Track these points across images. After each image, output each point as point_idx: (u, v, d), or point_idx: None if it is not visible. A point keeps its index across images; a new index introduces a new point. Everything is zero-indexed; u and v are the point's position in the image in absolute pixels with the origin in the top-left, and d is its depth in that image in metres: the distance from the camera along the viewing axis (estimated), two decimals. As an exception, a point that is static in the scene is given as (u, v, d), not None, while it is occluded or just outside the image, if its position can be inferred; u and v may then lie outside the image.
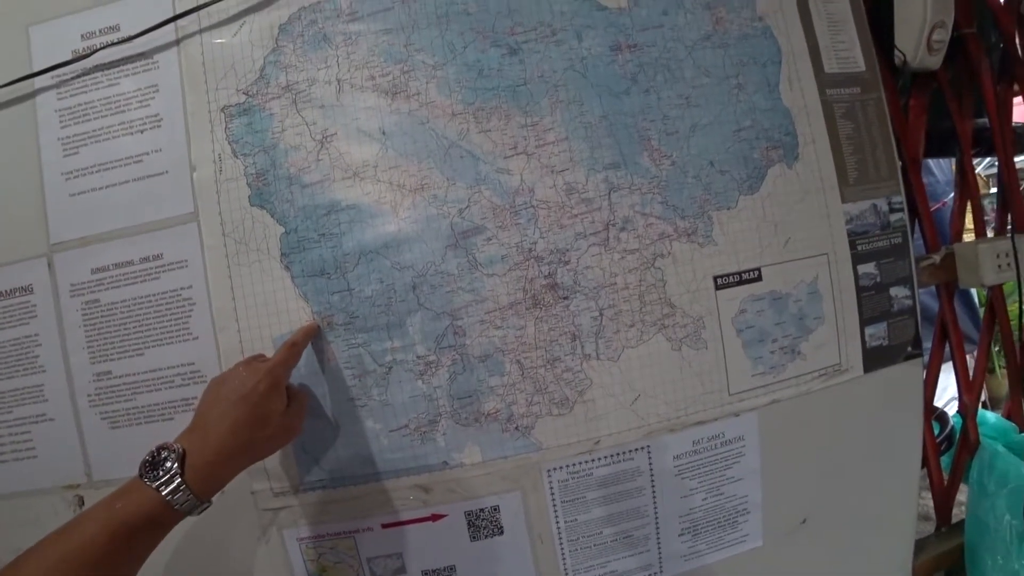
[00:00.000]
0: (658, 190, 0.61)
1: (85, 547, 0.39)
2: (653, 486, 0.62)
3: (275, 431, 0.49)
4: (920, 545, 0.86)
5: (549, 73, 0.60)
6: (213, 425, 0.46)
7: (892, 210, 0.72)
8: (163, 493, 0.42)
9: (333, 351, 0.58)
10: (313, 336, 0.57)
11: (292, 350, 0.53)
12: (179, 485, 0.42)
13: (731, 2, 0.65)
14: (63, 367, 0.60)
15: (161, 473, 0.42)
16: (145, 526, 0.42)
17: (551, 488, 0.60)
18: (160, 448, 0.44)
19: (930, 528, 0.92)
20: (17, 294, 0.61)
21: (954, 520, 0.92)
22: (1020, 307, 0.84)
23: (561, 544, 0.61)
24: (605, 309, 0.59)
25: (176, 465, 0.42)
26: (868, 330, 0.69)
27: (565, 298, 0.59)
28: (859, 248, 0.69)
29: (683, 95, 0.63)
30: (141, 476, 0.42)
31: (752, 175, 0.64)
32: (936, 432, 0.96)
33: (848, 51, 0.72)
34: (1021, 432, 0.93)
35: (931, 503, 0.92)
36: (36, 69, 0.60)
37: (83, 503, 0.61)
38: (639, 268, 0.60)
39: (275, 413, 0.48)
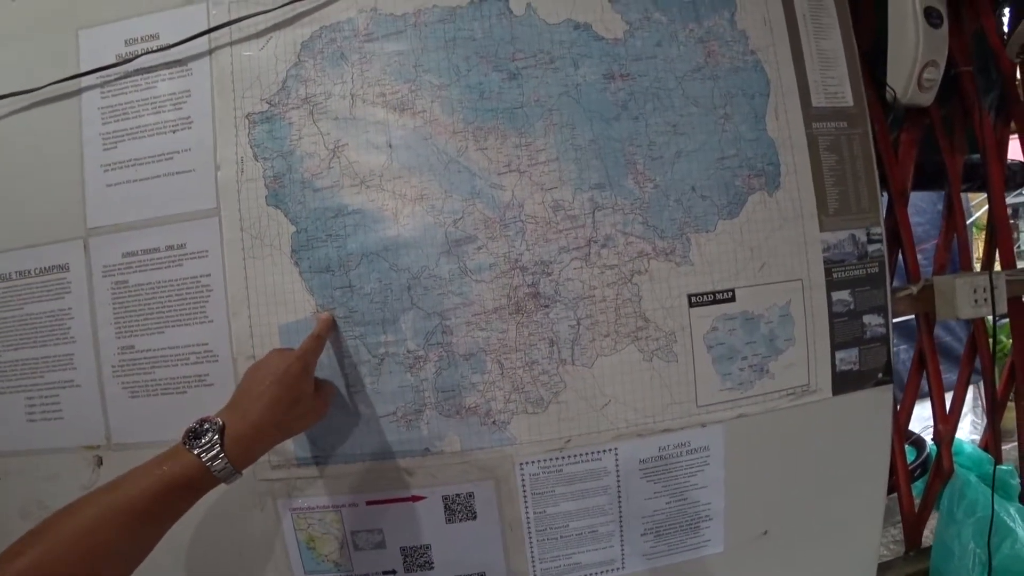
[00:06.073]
0: (640, 211, 0.65)
1: (133, 500, 0.44)
2: (619, 486, 0.67)
3: (305, 411, 0.55)
4: (887, 566, 0.88)
5: (545, 97, 0.64)
6: (250, 403, 0.51)
7: (871, 241, 0.75)
8: (204, 460, 0.47)
9: (334, 341, 0.63)
10: (331, 327, 0.62)
11: (318, 340, 0.59)
12: (218, 454, 0.47)
13: (724, 36, 0.69)
14: (92, 339, 0.67)
15: (204, 442, 0.47)
16: (185, 488, 0.47)
17: (523, 480, 0.65)
18: (202, 420, 0.49)
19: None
20: (55, 271, 0.67)
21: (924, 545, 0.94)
22: (993, 342, 0.86)
23: (529, 533, 0.66)
24: (582, 319, 0.64)
25: (216, 436, 0.47)
26: (839, 354, 0.72)
27: (546, 306, 0.63)
28: (835, 276, 0.72)
29: (671, 123, 0.67)
30: (185, 444, 0.48)
31: (732, 201, 0.68)
32: (912, 458, 0.99)
33: (837, 86, 0.75)
34: (999, 464, 0.94)
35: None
36: (83, 70, 0.66)
37: (101, 463, 0.68)
38: (617, 283, 0.64)
39: (305, 394, 0.54)
